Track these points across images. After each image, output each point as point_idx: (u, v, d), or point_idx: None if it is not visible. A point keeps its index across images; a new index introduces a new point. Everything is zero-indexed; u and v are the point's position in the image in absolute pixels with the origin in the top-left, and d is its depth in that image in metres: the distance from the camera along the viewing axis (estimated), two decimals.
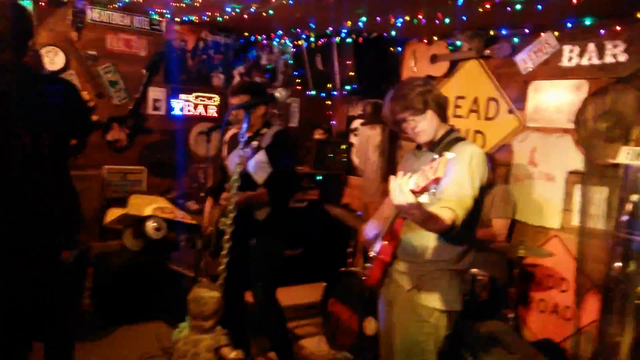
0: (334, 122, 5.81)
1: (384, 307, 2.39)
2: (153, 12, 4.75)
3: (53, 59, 4.42)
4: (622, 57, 3.32)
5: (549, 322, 3.72)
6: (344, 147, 5.42)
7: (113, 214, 4.37)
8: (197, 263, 2.88)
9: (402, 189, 1.62)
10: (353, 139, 5.51)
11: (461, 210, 1.93)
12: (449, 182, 1.98)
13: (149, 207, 4.28)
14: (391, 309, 2.30)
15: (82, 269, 3.35)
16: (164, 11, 4.64)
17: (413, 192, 1.61)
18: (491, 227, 3.65)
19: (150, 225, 4.14)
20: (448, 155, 1.62)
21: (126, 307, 3.90)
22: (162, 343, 3.41)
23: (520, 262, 3.37)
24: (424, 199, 1.63)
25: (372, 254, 2.33)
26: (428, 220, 1.81)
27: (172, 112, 5.08)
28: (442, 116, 2.20)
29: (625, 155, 3.10)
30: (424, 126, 2.15)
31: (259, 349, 3.45)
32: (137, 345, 3.52)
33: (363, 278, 3.33)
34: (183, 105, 5.12)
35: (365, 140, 5.12)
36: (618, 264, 3.09)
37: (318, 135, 5.56)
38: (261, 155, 2.88)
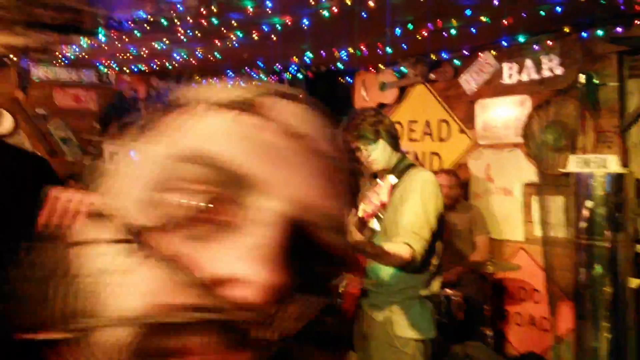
0: None
1: (359, 341, 2.36)
2: (100, 65, 4.72)
3: (0, 121, 4.31)
4: (559, 70, 3.48)
5: (528, 335, 3.74)
6: None
7: None
8: None
9: (350, 228, 1.63)
10: None
11: (418, 243, 1.95)
12: (403, 215, 2.01)
13: None
14: (367, 342, 2.27)
15: None
16: (112, 63, 4.61)
17: (362, 219, 1.63)
18: (475, 247, 3.70)
19: None
20: (390, 178, 1.64)
21: None
22: None
23: (492, 277, 3.41)
24: (374, 225, 1.65)
25: (341, 288, 2.31)
26: (381, 256, 1.82)
27: None
28: (394, 144, 2.24)
29: (574, 164, 3.21)
30: (377, 155, 2.19)
31: None
32: None
33: (337, 312, 3.28)
34: None
35: None
36: (583, 270, 3.15)
37: None
38: None
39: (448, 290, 3.28)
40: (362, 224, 1.64)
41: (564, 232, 3.47)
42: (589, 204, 3.08)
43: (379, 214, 1.64)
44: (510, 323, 3.85)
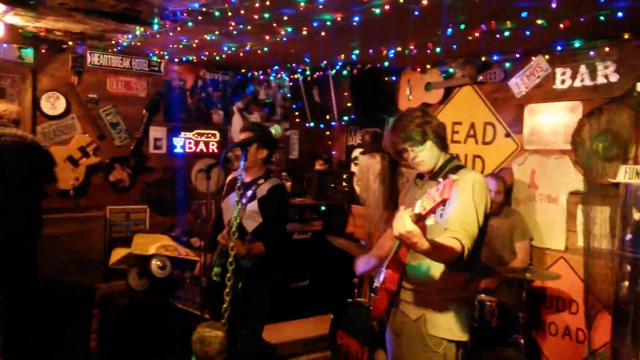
0: (334, 152, 5.86)
1: (391, 337, 2.37)
2: (152, 54, 4.86)
3: (55, 104, 4.50)
4: (614, 77, 3.37)
5: (561, 346, 3.66)
6: (345, 176, 5.44)
7: (117, 254, 4.37)
8: (203, 301, 2.86)
9: (402, 218, 1.63)
10: (353, 168, 5.54)
11: (468, 240, 1.93)
12: (453, 212, 2.00)
13: (153, 245, 4.29)
14: (399, 340, 2.28)
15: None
16: (163, 53, 4.74)
17: (420, 215, 1.63)
18: (516, 252, 3.65)
19: (155, 264, 4.13)
20: (453, 176, 1.64)
21: (133, 348, 3.86)
22: None
23: (529, 285, 3.35)
24: (430, 222, 1.64)
25: (376, 284, 2.32)
26: (432, 250, 1.80)
27: (174, 150, 5.13)
28: (442, 145, 2.23)
29: (624, 174, 3.11)
30: (424, 156, 2.19)
31: None
32: None
33: (370, 309, 3.30)
34: (184, 142, 5.18)
35: (366, 169, 5.15)
36: (626, 283, 3.06)
37: (319, 165, 5.59)
38: (254, 205, 2.88)
39: (483, 296, 3.25)
40: (420, 219, 1.64)
41: (608, 243, 3.37)
42: (637, 215, 2.99)
43: (439, 211, 1.62)
44: (544, 332, 3.77)
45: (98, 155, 4.72)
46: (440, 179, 1.71)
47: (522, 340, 3.28)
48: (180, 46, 4.21)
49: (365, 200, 5.21)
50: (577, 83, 3.58)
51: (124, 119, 4.86)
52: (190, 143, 5.22)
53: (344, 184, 5.44)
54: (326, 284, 4.77)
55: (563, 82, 3.67)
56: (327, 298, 4.46)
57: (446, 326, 2.12)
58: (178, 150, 5.15)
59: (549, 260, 3.75)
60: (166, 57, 4.91)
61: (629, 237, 3.04)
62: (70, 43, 4.39)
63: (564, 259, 3.67)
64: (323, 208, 5.31)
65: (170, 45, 4.29)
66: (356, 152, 5.51)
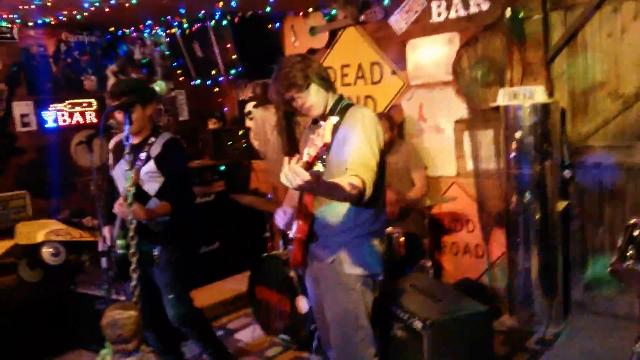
0: (225, 109, 5.65)
1: (311, 284, 2.39)
2: (0, 19, 4.24)
3: None
4: (485, 5, 3.54)
5: (464, 263, 3.98)
6: (241, 132, 5.30)
7: (0, 248, 3.93)
8: (107, 283, 2.67)
9: (294, 170, 1.60)
10: (249, 123, 5.40)
11: (367, 174, 1.96)
12: (348, 151, 2.02)
13: (41, 232, 3.91)
14: (318, 285, 2.31)
15: None
16: (13, 16, 4.16)
17: (307, 162, 1.62)
18: (414, 182, 3.80)
19: (46, 251, 3.80)
20: (332, 119, 1.66)
21: (37, 346, 3.56)
22: None
23: (429, 212, 3.55)
24: (319, 167, 1.65)
25: (290, 235, 2.31)
26: (333, 190, 1.82)
27: (45, 125, 4.63)
28: (327, 86, 2.20)
29: (503, 97, 3.33)
30: (312, 100, 2.16)
31: (194, 353, 3.34)
32: None
33: (286, 260, 3.31)
34: (56, 116, 4.68)
35: (261, 122, 5.04)
36: (514, 198, 3.34)
37: (212, 124, 5.38)
38: (151, 166, 2.70)
39: (390, 229, 3.39)
40: (309, 167, 1.63)
41: (495, 164, 3.64)
42: (518, 134, 3.24)
43: (323, 155, 1.63)
44: (447, 253, 4.06)
45: None
46: (322, 122, 1.71)
47: (429, 264, 3.50)
48: (32, 6, 3.71)
49: (264, 154, 5.13)
50: (452, 14, 3.72)
51: None
52: (63, 115, 4.73)
53: (241, 140, 5.30)
54: (238, 243, 4.70)
55: (439, 14, 3.79)
56: (242, 257, 4.41)
57: (360, 263, 2.17)
58: (51, 124, 4.66)
59: (444, 187, 4.00)
60: (17, 20, 4.32)
61: (512, 155, 3.30)
62: None
63: (456, 184, 3.93)
64: (222, 168, 5.16)
65: (20, 7, 3.77)
66: (249, 107, 5.36)
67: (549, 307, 3.33)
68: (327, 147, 1.63)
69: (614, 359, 2.76)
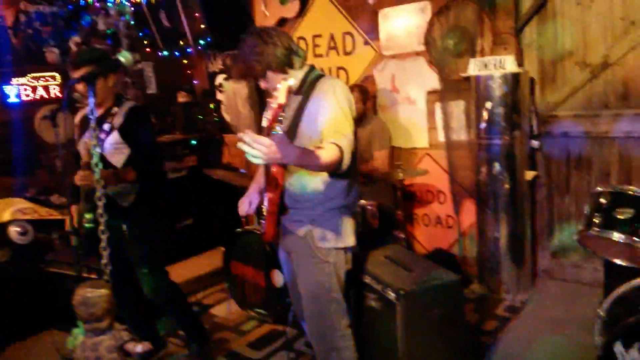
0: (195, 81, 5.52)
1: (284, 257, 2.39)
2: None
3: None
4: None
5: (435, 233, 4.04)
6: (212, 106, 5.20)
7: None
8: (77, 261, 2.61)
9: (253, 139, 1.55)
10: (220, 95, 5.29)
11: (344, 141, 1.92)
12: (322, 121, 1.98)
13: (7, 211, 3.82)
14: (291, 258, 2.31)
15: None
16: None
17: (267, 128, 1.61)
18: (373, 160, 3.78)
19: (13, 230, 3.72)
20: (289, 81, 1.66)
21: (6, 326, 3.50)
22: (62, 351, 3.12)
23: (401, 184, 3.57)
24: (278, 130, 1.64)
25: (264, 209, 2.29)
26: (307, 156, 1.76)
27: (7, 100, 4.46)
28: (290, 64, 2.14)
29: (473, 67, 3.33)
30: (272, 84, 2.11)
31: (169, 329, 3.33)
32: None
33: (260, 234, 3.30)
34: (18, 90, 4.50)
35: (233, 95, 4.95)
36: (484, 168, 3.38)
37: (182, 98, 5.26)
38: (115, 137, 2.61)
39: (363, 202, 3.40)
40: (269, 131, 1.60)
41: (466, 134, 3.67)
42: (488, 105, 3.25)
43: (279, 117, 1.61)
44: (419, 224, 4.11)
45: None
46: (279, 85, 1.69)
47: (402, 235, 3.54)
48: None
49: (236, 127, 5.06)
50: None
51: None
52: (26, 90, 4.55)
53: (212, 114, 5.20)
54: (212, 218, 4.67)
55: None
56: (216, 232, 4.38)
57: (332, 236, 2.17)
58: (13, 99, 4.48)
59: (416, 159, 4.01)
60: None
61: (483, 125, 3.32)
62: None
63: (429, 155, 3.95)
64: (194, 142, 5.07)
65: None
66: (220, 79, 5.24)
67: (517, 275, 3.42)
68: (282, 108, 1.62)
69: (579, 324, 2.84)
